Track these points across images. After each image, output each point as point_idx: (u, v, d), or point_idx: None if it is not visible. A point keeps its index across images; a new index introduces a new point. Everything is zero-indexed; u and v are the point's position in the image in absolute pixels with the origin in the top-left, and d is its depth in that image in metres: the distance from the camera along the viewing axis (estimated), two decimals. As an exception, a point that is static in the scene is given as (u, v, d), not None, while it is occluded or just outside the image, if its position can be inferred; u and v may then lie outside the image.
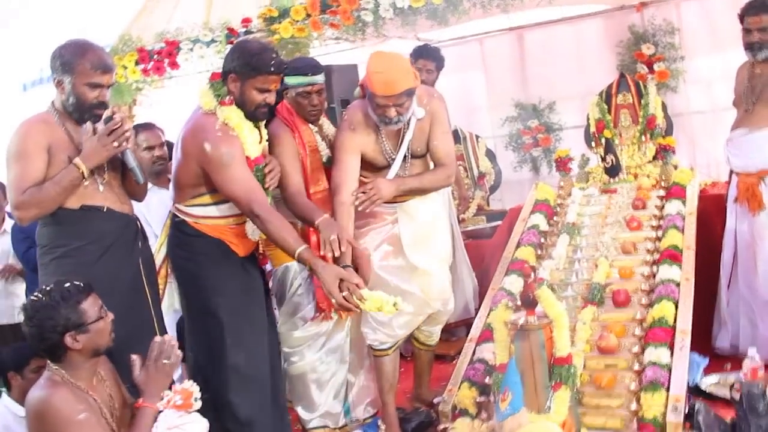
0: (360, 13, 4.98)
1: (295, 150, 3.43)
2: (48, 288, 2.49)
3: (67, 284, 2.49)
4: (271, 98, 3.15)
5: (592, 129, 5.15)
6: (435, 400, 3.74)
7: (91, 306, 2.51)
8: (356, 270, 3.08)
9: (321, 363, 3.56)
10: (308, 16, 5.18)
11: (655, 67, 5.79)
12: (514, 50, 6.67)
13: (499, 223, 5.21)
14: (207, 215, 3.15)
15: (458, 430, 2.95)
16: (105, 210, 3.00)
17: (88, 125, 2.95)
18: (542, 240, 4.24)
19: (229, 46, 5.58)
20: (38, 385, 2.48)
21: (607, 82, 5.22)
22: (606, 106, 5.12)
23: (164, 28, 6.11)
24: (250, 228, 3.20)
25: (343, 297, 2.89)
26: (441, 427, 3.21)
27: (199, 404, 1.75)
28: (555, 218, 4.45)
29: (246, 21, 5.54)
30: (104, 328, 2.53)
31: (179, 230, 3.19)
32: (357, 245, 3.22)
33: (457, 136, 5.78)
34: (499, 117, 6.63)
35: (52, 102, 3.03)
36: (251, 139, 3.12)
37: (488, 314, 3.73)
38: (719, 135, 5.64)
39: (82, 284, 2.52)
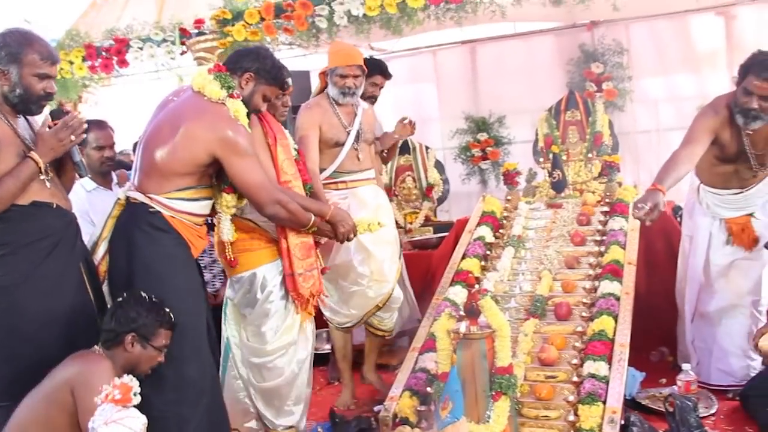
0: (314, 19, 4.98)
1: (264, 140, 3.44)
2: (152, 297, 2.80)
3: (167, 310, 2.82)
4: (265, 107, 3.35)
5: (540, 144, 5.24)
6: (375, 408, 3.73)
7: (163, 337, 2.79)
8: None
9: (295, 376, 3.48)
10: (262, 19, 5.17)
11: (604, 85, 5.90)
12: (466, 63, 6.75)
13: (445, 234, 5.23)
14: (185, 210, 3.09)
15: (398, 438, 2.93)
16: (54, 207, 2.90)
17: (46, 118, 2.88)
18: (488, 252, 4.28)
19: (182, 47, 5.59)
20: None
21: (556, 98, 5.32)
22: (554, 122, 5.22)
23: (113, 25, 6.00)
24: (226, 228, 3.29)
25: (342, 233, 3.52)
26: (381, 435, 3.20)
27: (138, 399, 1.73)
28: (501, 231, 4.50)
29: (199, 22, 5.49)
30: (153, 359, 2.76)
31: (149, 223, 3.04)
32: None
33: (406, 146, 5.79)
34: (449, 129, 6.67)
35: None
36: None
37: (431, 324, 3.75)
38: (663, 154, 5.78)
39: (173, 321, 2.84)
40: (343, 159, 4.09)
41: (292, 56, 6.14)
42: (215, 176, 3.23)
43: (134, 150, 5.16)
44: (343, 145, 4.08)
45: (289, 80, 3.70)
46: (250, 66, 3.19)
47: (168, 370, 2.90)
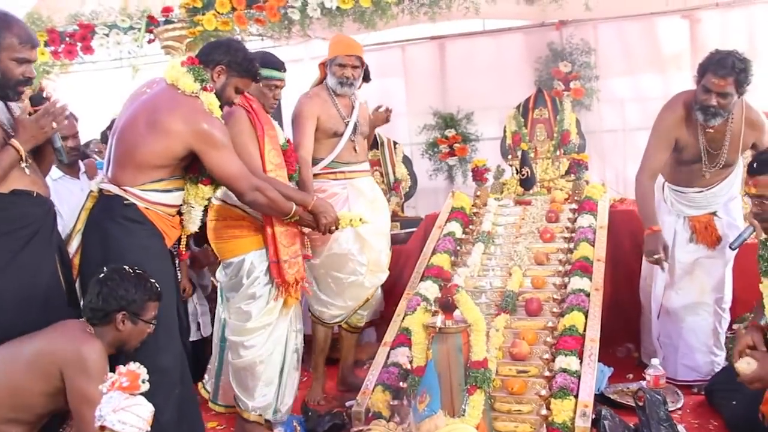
0: (287, 10, 4.95)
1: (252, 130, 3.49)
2: (137, 270, 2.79)
3: (152, 281, 2.81)
4: (238, 99, 3.37)
5: (509, 141, 5.28)
6: (347, 404, 3.73)
7: (152, 309, 2.80)
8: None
9: (270, 354, 3.56)
10: (233, 9, 5.10)
11: (571, 84, 5.95)
12: (435, 59, 6.74)
13: (413, 230, 5.23)
14: (159, 202, 3.10)
15: (373, 432, 2.93)
16: (35, 195, 2.85)
17: (26, 104, 2.85)
18: (458, 247, 4.30)
19: (149, 35, 5.49)
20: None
21: (524, 96, 5.37)
22: (523, 120, 5.27)
23: (77, 10, 5.87)
24: (197, 219, 3.31)
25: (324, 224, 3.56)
26: (354, 429, 3.19)
27: (146, 386, 1.71)
28: (470, 226, 4.52)
29: (167, 10, 5.40)
30: (143, 332, 2.79)
31: (123, 215, 3.04)
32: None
33: (375, 141, 5.77)
34: (417, 124, 6.66)
35: None
36: None
37: (403, 319, 3.75)
38: (629, 153, 5.90)
39: (159, 291, 2.84)
40: (341, 150, 4.13)
41: (262, 48, 6.06)
42: (188, 168, 3.22)
43: (103, 140, 5.09)
44: (341, 135, 4.13)
45: (284, 74, 3.72)
46: (222, 59, 3.21)
47: (143, 360, 2.87)
